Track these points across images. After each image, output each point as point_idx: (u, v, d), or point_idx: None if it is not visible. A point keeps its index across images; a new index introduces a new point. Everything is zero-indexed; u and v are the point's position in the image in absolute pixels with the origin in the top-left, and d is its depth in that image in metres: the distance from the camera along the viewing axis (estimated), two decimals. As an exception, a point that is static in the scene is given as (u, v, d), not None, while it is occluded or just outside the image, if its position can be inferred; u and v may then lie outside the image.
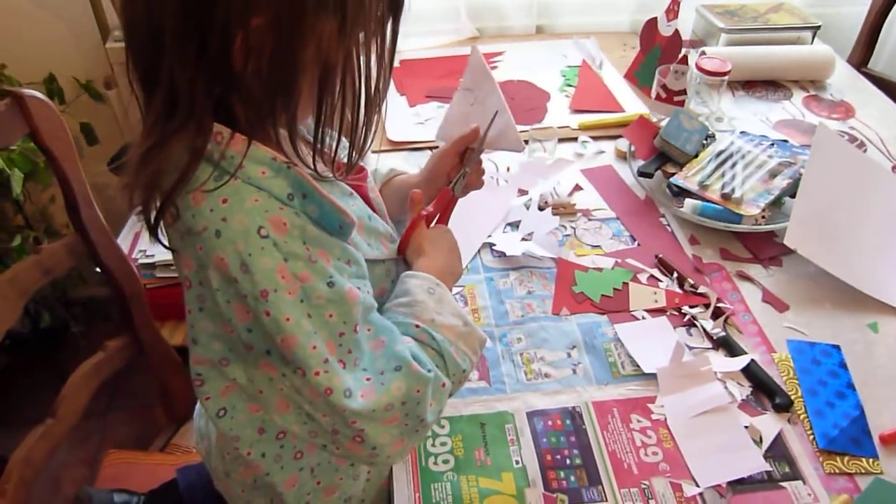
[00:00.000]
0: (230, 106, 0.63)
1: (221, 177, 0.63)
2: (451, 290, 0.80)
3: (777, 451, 0.86)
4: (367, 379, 0.67)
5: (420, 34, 1.74)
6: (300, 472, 0.78)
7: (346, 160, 0.71)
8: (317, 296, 0.64)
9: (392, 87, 1.56)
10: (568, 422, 0.89)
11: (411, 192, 0.86)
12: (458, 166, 0.92)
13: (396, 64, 1.62)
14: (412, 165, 1.03)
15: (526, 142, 1.34)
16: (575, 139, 1.41)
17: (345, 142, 0.71)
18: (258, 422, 0.74)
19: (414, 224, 0.84)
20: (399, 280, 0.79)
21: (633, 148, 1.31)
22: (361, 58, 0.64)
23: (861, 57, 1.77)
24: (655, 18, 1.52)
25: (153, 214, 0.65)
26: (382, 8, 0.64)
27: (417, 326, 0.73)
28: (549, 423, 0.89)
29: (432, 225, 0.89)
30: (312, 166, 0.67)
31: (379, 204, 0.88)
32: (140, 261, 1.53)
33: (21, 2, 1.62)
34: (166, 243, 0.68)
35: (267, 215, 0.62)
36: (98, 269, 1.12)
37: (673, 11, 1.48)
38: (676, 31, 1.48)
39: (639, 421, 0.89)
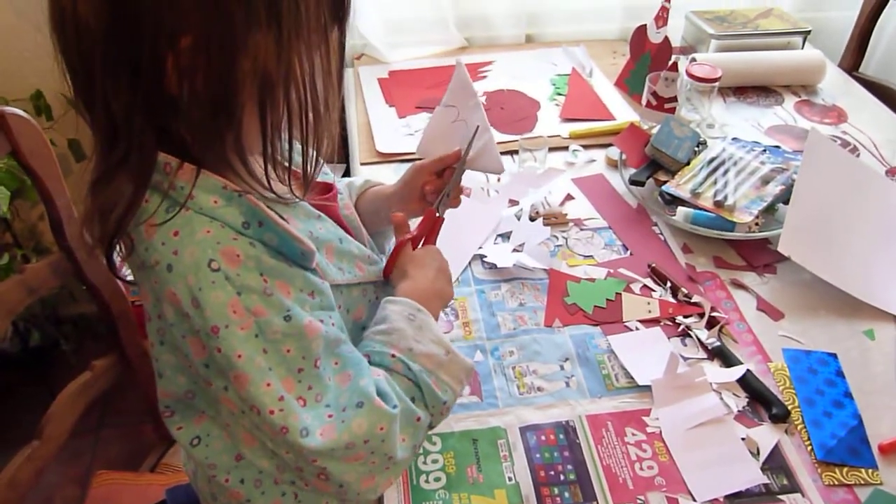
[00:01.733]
0: (178, 133, 0.61)
1: (172, 208, 0.61)
2: (438, 314, 0.78)
3: (774, 462, 0.84)
4: (329, 416, 0.64)
5: (408, 44, 1.73)
6: (283, 497, 0.76)
7: (313, 179, 0.69)
8: (272, 330, 0.62)
9: (381, 98, 1.55)
10: (561, 436, 0.88)
11: (393, 216, 0.85)
12: (434, 182, 0.90)
13: (385, 75, 1.63)
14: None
15: (516, 152, 1.33)
16: (566, 148, 1.40)
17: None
18: (234, 448, 0.72)
19: (398, 248, 0.82)
20: (380, 306, 0.76)
21: (624, 156, 1.30)
22: (306, 71, 0.61)
23: (852, 61, 1.77)
24: (645, 25, 1.51)
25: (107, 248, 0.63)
26: (324, 18, 0.61)
27: (393, 356, 0.71)
28: (543, 437, 0.88)
29: (419, 246, 0.87)
30: (269, 187, 0.64)
31: (353, 221, 0.85)
32: (129, 278, 1.51)
33: (6, 18, 1.60)
34: (127, 276, 0.67)
35: (219, 247, 0.60)
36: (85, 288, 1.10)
37: (662, 18, 1.47)
38: (666, 38, 1.47)
39: (633, 434, 0.88)
